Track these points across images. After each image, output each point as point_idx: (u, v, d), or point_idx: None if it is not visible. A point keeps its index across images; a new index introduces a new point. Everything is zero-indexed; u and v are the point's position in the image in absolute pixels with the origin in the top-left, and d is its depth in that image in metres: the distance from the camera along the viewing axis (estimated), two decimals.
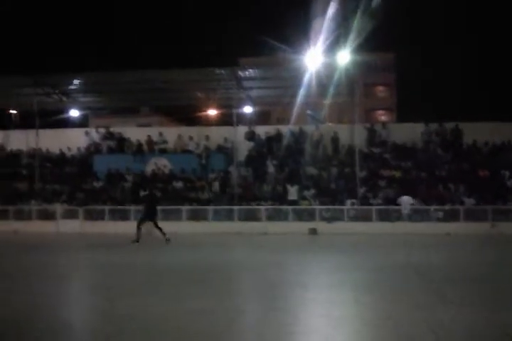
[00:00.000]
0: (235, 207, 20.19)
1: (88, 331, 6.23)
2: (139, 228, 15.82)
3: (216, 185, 21.92)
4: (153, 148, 24.49)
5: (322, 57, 20.30)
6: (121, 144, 24.82)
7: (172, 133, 24.95)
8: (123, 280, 9.63)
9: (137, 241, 15.42)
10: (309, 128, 24.39)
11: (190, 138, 24.34)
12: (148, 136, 24.64)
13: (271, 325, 6.16)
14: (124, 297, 7.97)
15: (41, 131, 23.75)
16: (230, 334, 5.81)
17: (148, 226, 16.36)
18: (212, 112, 31.08)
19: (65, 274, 10.78)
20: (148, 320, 6.40)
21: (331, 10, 21.47)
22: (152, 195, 17.57)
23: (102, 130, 25.78)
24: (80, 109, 26.84)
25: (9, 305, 7.26)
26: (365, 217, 19.88)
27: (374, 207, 19.95)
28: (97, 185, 22.65)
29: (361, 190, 20.72)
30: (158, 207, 17.16)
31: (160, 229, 15.78)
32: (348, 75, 21.06)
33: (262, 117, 28.71)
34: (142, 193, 18.49)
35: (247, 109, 26.17)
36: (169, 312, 6.82)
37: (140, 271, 10.82)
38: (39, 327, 6.07)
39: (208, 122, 30.47)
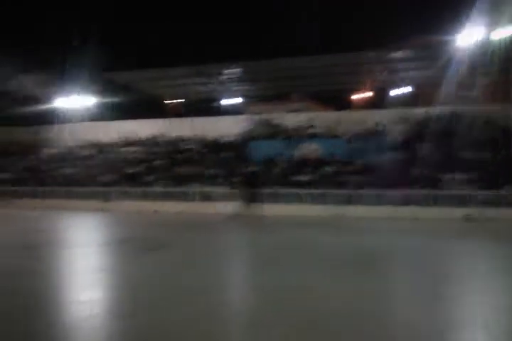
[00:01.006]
0: (387, 192, 20.03)
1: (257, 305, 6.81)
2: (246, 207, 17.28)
3: (366, 169, 21.89)
4: (303, 133, 25.04)
5: (475, 34, 19.31)
6: (274, 130, 25.70)
7: (323, 118, 25.28)
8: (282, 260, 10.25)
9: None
10: (462, 110, 23.38)
11: (341, 122, 24.50)
12: (299, 121, 25.24)
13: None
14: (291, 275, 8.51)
15: (202, 119, 25.36)
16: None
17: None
18: (362, 96, 30.87)
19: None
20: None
21: None
22: (254, 177, 19.02)
23: (257, 117, 26.81)
24: (237, 96, 28.15)
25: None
26: None
27: None
28: (252, 169, 23.69)
29: None
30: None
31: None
32: (502, 52, 19.83)
33: (414, 99, 27.91)
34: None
35: (398, 92, 25.65)
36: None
37: (301, 252, 11.37)
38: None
39: (358, 106, 30.29)
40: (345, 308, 6.50)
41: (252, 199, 18.09)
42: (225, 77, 24.76)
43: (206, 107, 27.59)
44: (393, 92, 25.20)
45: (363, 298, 6.95)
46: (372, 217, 18.51)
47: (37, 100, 29.50)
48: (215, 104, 29.14)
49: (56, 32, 32.71)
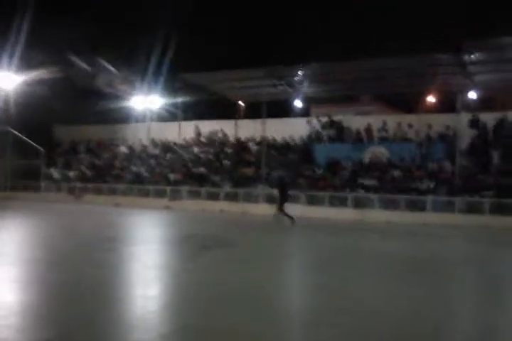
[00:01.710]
0: (456, 198, 19.48)
1: (312, 308, 6.87)
2: (281, 210, 17.71)
3: (435, 175, 21.41)
4: (372, 136, 24.76)
5: None
6: (340, 132, 25.53)
7: (391, 121, 24.86)
8: (344, 262, 10.23)
9: (292, 220, 17.17)
10: None
11: (410, 126, 24.07)
12: (368, 124, 24.96)
13: None
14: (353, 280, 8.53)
15: (268, 121, 25.55)
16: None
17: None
18: (433, 99, 30.17)
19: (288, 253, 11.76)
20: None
21: None
22: (283, 181, 19.55)
23: (323, 119, 26.70)
24: (302, 98, 28.12)
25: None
26: None
27: None
28: (318, 172, 23.67)
29: None
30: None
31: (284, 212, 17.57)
32: None
33: (487, 103, 26.97)
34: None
35: (471, 95, 24.83)
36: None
37: (364, 257, 11.31)
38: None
39: (428, 109, 29.64)
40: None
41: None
42: (294, 78, 24.74)
43: (276, 109, 27.69)
44: (466, 96, 24.38)
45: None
46: (439, 224, 18.08)
47: (114, 98, 30.59)
48: (284, 106, 29.23)
49: (137, 33, 33.92)
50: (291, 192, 19.63)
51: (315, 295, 7.57)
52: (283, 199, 18.19)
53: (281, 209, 17.91)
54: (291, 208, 18.62)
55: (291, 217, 17.38)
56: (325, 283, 8.12)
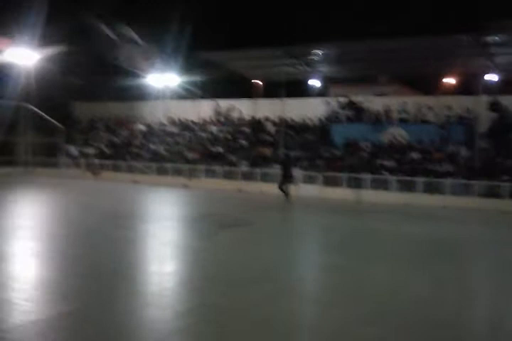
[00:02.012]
0: (474, 182, 19.34)
1: (334, 290, 6.95)
2: (281, 189, 18.19)
3: (455, 158, 21.27)
4: (391, 117, 24.59)
5: None
6: (359, 113, 25.38)
7: (411, 103, 24.65)
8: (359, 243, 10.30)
9: (287, 196, 17.94)
10: None
11: (429, 107, 23.87)
12: (387, 105, 24.78)
13: None
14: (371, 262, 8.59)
15: (286, 100, 25.45)
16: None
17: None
18: (453, 81, 29.72)
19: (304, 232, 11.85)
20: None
21: None
22: (287, 159, 20.11)
23: (342, 99, 26.51)
24: (321, 78, 27.94)
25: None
26: None
27: None
28: (336, 153, 23.62)
29: None
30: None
31: (285, 190, 18.08)
32: None
33: (508, 86, 26.54)
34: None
35: (492, 78, 24.46)
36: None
37: (382, 239, 11.36)
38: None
39: (448, 91, 29.23)
40: None
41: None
42: (312, 57, 24.55)
43: (293, 88, 27.52)
44: (486, 78, 23.99)
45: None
46: (457, 207, 18.02)
47: (133, 75, 30.60)
48: (302, 86, 29.06)
49: (157, 8, 33.76)
50: (296, 172, 20.12)
51: (331, 275, 7.65)
52: (285, 176, 18.63)
53: (281, 185, 18.39)
54: (307, 188, 18.67)
55: (287, 194, 18.07)
56: (342, 264, 8.19)
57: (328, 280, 7.49)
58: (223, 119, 29.43)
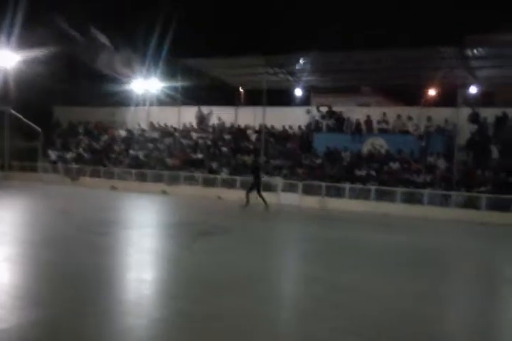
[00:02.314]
0: (453, 193, 19.49)
1: (313, 299, 6.91)
2: (247, 193, 18.89)
3: (434, 169, 21.42)
4: (371, 127, 24.74)
5: None
6: (340, 123, 25.47)
7: (391, 113, 24.83)
8: (341, 255, 10.27)
9: (246, 206, 18.41)
10: None
11: (410, 118, 24.06)
12: (368, 115, 24.93)
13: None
14: (347, 271, 8.56)
15: (267, 109, 25.46)
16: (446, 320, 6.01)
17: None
18: (433, 92, 30.05)
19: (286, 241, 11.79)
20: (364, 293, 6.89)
21: None
22: (257, 168, 20.43)
23: (323, 109, 26.60)
24: (303, 87, 28.03)
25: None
26: None
27: None
28: (316, 161, 23.65)
29: None
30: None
31: (262, 197, 18.54)
32: None
33: (487, 99, 26.87)
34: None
35: (472, 90, 24.77)
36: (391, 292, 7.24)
37: (359, 248, 11.34)
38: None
39: (428, 102, 29.54)
40: None
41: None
42: (296, 67, 24.67)
43: (275, 96, 27.57)
44: (467, 90, 24.28)
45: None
46: (436, 218, 18.13)
47: (114, 80, 30.37)
48: (284, 94, 29.14)
49: (138, 13, 33.69)
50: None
51: (308, 285, 7.59)
52: (254, 184, 19.16)
53: (247, 192, 18.96)
54: (288, 196, 18.65)
55: (247, 202, 18.62)
56: (318, 275, 8.13)
57: (305, 289, 7.43)
58: (204, 125, 29.31)
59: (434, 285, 7.85)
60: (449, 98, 25.58)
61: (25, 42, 27.00)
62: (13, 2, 26.21)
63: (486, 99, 26.27)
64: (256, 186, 19.09)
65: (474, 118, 22.95)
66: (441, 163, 21.54)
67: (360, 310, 6.29)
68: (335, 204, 20.34)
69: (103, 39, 29.80)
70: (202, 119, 29.43)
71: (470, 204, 19.07)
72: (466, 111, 23.03)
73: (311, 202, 20.70)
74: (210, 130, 28.84)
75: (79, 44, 29.77)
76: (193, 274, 7.75)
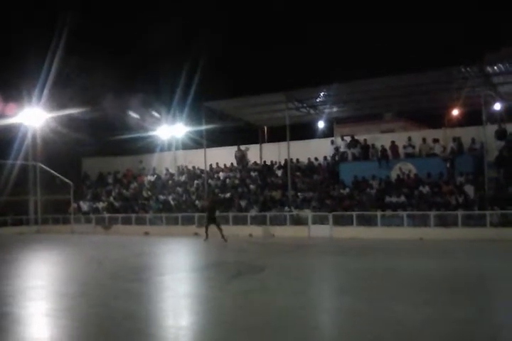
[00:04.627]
0: (487, 212, 19.06)
1: (347, 332, 6.73)
2: (206, 227, 20.45)
3: (466, 189, 21.03)
4: (397, 153, 24.56)
5: None
6: (365, 151, 25.39)
7: (416, 137, 24.70)
8: (375, 284, 10.02)
9: (206, 239, 20.05)
10: None
11: (436, 140, 23.85)
12: (392, 141, 24.80)
13: None
14: (382, 300, 8.34)
15: (291, 143, 25.58)
16: None
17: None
18: (457, 112, 29.82)
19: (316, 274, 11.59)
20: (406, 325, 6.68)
21: None
22: (213, 203, 21.61)
23: (347, 138, 26.61)
24: (325, 119, 28.18)
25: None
26: None
27: None
28: (344, 191, 23.48)
29: None
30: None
31: (220, 229, 20.00)
32: None
33: None
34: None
35: (496, 106, 24.51)
36: (428, 319, 7.01)
37: (393, 276, 11.08)
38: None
39: (453, 123, 29.30)
40: None
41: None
42: (316, 100, 24.91)
43: (298, 130, 27.79)
44: (491, 108, 24.00)
45: None
46: (473, 238, 17.68)
47: (141, 129, 31.08)
48: (307, 127, 29.38)
49: (162, 68, 34.74)
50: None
51: (348, 321, 7.38)
52: (209, 218, 20.47)
53: (206, 225, 20.47)
54: (318, 229, 18.51)
55: (207, 235, 20.11)
56: (361, 309, 7.90)
57: (343, 326, 7.21)
58: (232, 165, 29.56)
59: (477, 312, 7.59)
60: (474, 117, 25.34)
61: (54, 100, 28.05)
62: (46, 63, 27.42)
63: (511, 114, 25.95)
64: (210, 220, 20.33)
65: (501, 134, 22.68)
66: (469, 187, 21.04)
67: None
68: (367, 233, 20.06)
69: (131, 101, 30.73)
70: (241, 158, 29.65)
71: (506, 222, 18.60)
72: (492, 128, 22.77)
73: (343, 232, 20.47)
74: (239, 168, 29.03)
75: (107, 102, 30.69)
76: (229, 318, 7.62)
